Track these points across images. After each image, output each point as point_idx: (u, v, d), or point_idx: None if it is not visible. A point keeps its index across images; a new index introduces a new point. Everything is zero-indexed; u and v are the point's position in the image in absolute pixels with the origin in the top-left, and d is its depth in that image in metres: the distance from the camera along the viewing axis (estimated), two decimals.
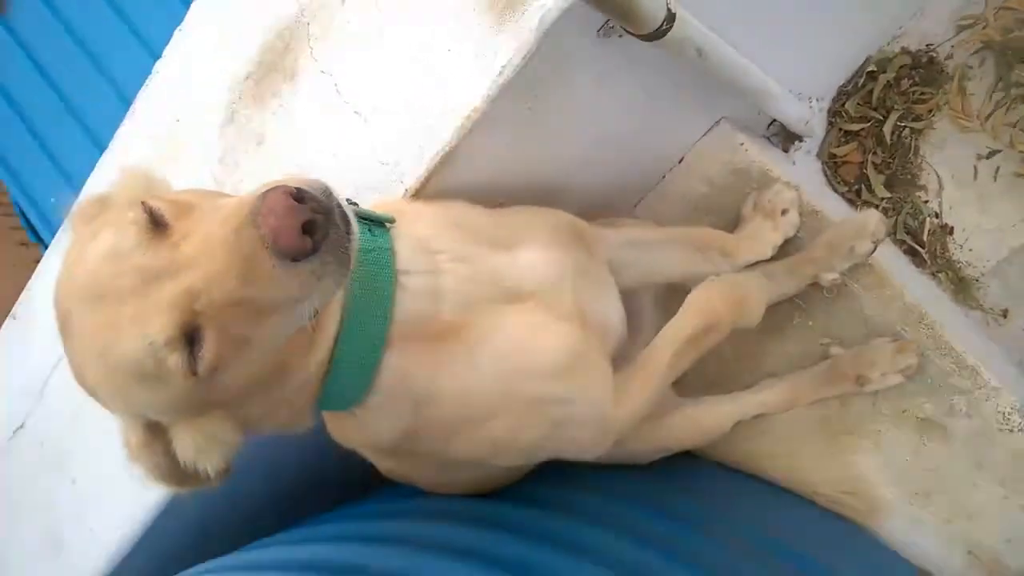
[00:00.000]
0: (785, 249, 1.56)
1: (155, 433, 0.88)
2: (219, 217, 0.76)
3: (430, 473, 1.24)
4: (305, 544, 1.31)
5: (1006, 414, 1.45)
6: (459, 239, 1.03)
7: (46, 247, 3.26)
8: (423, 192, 1.14)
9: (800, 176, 1.83)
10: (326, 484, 1.80)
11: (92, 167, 1.60)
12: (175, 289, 0.75)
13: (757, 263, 1.53)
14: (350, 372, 0.94)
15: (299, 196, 0.72)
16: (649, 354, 1.26)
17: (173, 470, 0.90)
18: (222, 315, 0.76)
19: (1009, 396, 1.45)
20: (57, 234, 1.56)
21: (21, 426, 1.54)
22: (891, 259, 1.57)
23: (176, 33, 1.37)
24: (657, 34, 1.07)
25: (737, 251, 1.51)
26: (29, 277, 1.58)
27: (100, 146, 3.17)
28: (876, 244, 1.46)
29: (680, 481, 1.45)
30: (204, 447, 0.87)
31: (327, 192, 0.76)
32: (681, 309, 1.30)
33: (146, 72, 1.41)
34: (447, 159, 1.11)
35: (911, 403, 1.52)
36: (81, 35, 3.34)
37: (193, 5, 1.38)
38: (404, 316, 0.95)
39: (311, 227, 0.72)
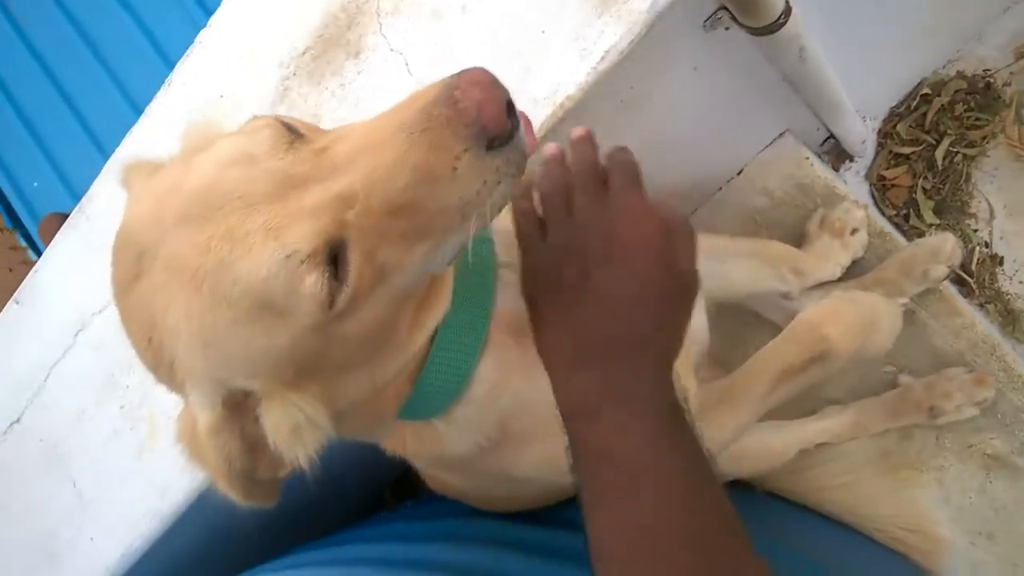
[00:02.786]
0: (849, 270, 1.48)
1: (236, 411, 0.69)
2: (386, 115, 0.64)
3: (490, 487, 1.11)
4: (338, 566, 1.20)
5: None
6: None
7: (23, 232, 3.08)
8: None
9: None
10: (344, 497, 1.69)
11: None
12: (325, 193, 0.62)
13: (824, 283, 1.45)
14: (446, 371, 0.81)
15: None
16: (741, 381, 1.12)
17: (247, 464, 0.70)
18: (374, 231, 0.62)
19: None
20: (67, 220, 1.42)
21: (17, 421, 1.40)
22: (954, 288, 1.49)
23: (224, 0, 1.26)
24: (772, 27, 0.99)
25: (809, 269, 1.42)
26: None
27: (88, 131, 3.01)
28: (951, 269, 1.38)
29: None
30: (303, 425, 0.68)
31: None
32: (786, 329, 1.16)
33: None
34: None
35: (979, 438, 1.44)
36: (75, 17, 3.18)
37: None
38: (503, 307, 0.84)
39: (511, 108, 0.61)
